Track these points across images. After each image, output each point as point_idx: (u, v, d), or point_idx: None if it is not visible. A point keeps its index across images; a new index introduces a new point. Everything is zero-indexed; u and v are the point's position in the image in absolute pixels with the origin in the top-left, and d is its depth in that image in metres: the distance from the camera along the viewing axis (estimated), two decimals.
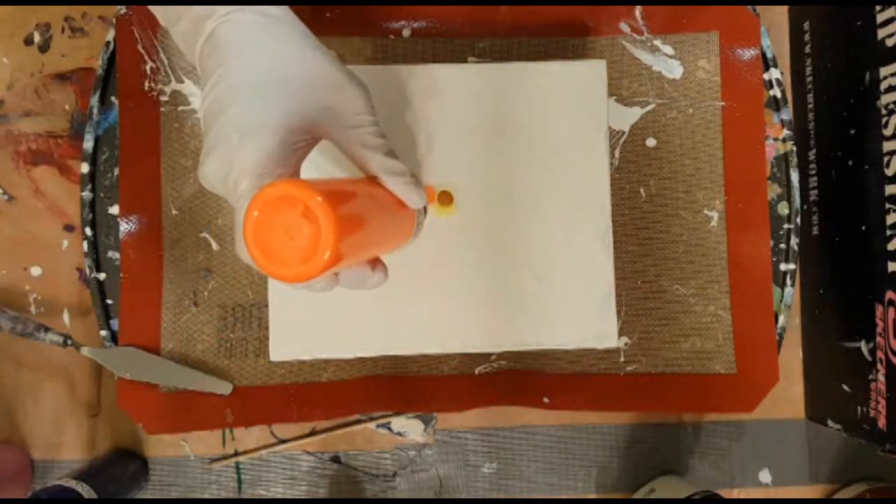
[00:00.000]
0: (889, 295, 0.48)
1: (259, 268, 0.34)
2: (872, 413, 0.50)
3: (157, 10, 0.42)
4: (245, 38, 0.37)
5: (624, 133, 0.58)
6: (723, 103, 0.58)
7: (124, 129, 0.56)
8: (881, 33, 0.49)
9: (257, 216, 0.34)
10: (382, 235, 0.41)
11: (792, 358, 0.59)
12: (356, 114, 0.39)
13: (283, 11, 0.39)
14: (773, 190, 0.58)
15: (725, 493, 0.59)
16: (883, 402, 0.49)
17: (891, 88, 0.48)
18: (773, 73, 0.58)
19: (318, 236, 0.33)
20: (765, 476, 0.59)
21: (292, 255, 0.34)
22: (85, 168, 0.57)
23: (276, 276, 0.34)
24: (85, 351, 0.55)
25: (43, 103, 0.59)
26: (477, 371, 0.57)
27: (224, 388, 0.56)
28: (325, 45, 0.40)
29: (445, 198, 0.51)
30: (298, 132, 0.37)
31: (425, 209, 0.46)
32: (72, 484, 0.50)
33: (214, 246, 0.57)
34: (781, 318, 0.57)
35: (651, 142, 0.58)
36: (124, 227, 0.56)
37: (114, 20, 0.56)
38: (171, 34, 0.41)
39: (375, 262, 0.42)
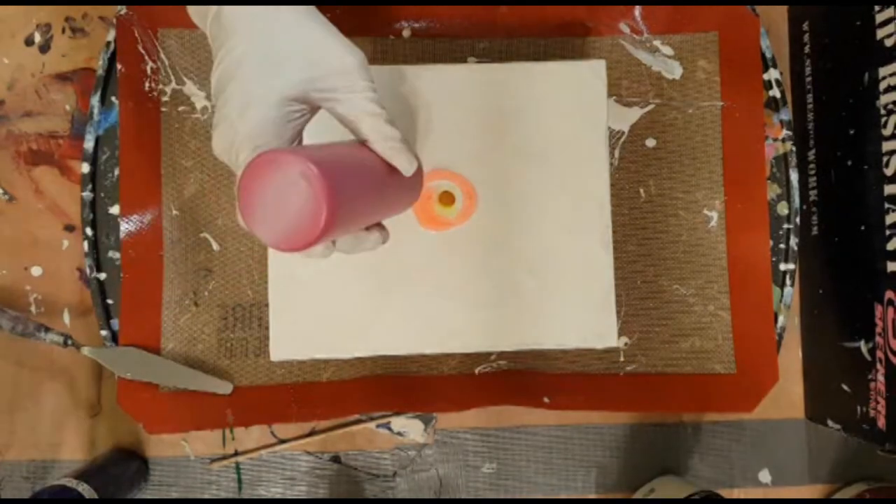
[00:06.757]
0: (888, 295, 0.48)
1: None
2: (872, 413, 0.50)
3: None
4: (247, 14, 0.39)
5: (624, 133, 0.58)
6: (722, 103, 0.58)
7: (125, 130, 0.56)
8: (880, 33, 0.49)
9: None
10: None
11: (792, 358, 0.59)
12: (349, 79, 0.40)
13: None
14: (773, 190, 0.58)
15: (725, 493, 0.59)
16: (882, 401, 0.49)
17: (890, 88, 0.48)
18: (773, 74, 0.58)
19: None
20: (764, 476, 0.59)
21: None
22: (85, 168, 0.57)
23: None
24: (85, 351, 0.55)
25: (43, 103, 0.59)
26: (477, 371, 0.57)
27: (224, 387, 0.56)
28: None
29: (447, 198, 0.51)
30: (295, 102, 0.39)
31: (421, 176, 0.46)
32: (72, 484, 0.50)
33: (215, 246, 0.57)
34: (781, 318, 0.57)
35: (651, 142, 0.58)
36: (125, 227, 0.56)
37: (114, 20, 0.56)
38: (190, 14, 0.43)
39: (373, 225, 0.42)
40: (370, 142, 0.40)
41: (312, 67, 0.39)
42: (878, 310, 0.49)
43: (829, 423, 0.55)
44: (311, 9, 0.40)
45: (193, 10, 0.42)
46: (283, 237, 0.34)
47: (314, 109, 0.40)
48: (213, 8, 0.39)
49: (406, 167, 0.41)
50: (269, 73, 0.38)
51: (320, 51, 0.39)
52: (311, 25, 0.40)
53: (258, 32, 0.38)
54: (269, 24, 0.39)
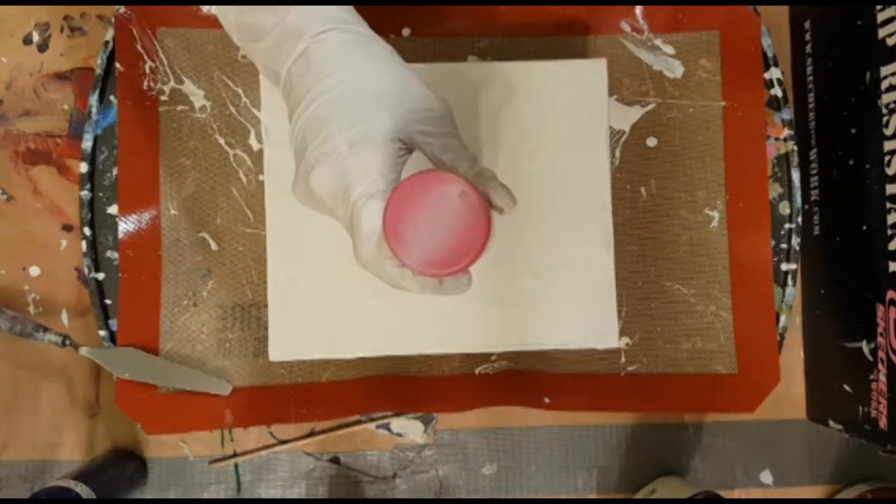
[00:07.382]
0: (890, 294, 0.48)
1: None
2: (873, 413, 0.50)
3: (233, 28, 0.42)
4: (339, 56, 0.39)
5: (624, 132, 0.58)
6: (723, 103, 0.58)
7: (123, 129, 0.56)
8: (882, 32, 0.49)
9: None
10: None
11: (793, 358, 0.59)
12: (442, 125, 0.40)
13: (370, 30, 0.41)
14: (775, 189, 0.58)
15: (726, 494, 0.58)
16: (884, 402, 0.49)
17: (891, 88, 0.48)
18: (774, 73, 0.58)
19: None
20: (766, 476, 0.59)
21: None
22: (84, 168, 0.56)
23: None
24: (84, 351, 0.55)
25: (41, 103, 0.59)
26: (477, 371, 0.57)
27: (223, 388, 0.55)
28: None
29: None
30: (399, 141, 0.39)
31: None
32: (71, 484, 0.50)
33: (213, 246, 0.57)
34: (783, 318, 0.57)
35: (652, 141, 0.58)
36: (123, 226, 0.56)
37: (112, 20, 0.55)
38: (247, 52, 0.42)
39: None
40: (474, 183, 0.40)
41: (412, 110, 0.39)
42: (880, 310, 0.49)
43: (831, 423, 0.55)
44: (400, 59, 0.41)
45: (264, 51, 0.40)
46: (436, 259, 0.34)
47: (410, 151, 0.40)
48: (298, 49, 0.39)
49: (510, 204, 0.41)
50: (373, 113, 0.38)
51: (416, 94, 0.40)
52: (401, 70, 0.40)
53: (352, 73, 0.38)
54: (361, 65, 0.39)
